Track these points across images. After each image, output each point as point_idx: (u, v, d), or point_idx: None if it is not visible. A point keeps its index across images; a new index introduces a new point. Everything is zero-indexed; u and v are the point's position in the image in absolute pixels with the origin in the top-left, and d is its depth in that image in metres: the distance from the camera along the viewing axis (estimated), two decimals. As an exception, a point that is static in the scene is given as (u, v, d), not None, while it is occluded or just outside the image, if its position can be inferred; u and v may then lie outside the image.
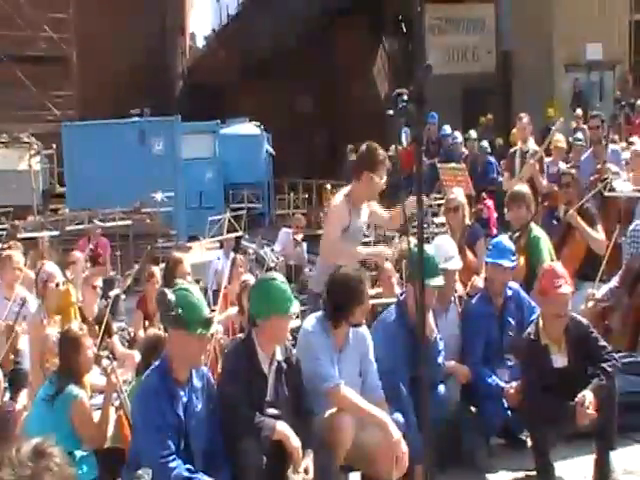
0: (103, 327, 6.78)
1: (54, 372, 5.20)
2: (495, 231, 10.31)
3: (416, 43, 5.31)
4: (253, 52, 29.52)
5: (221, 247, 11.92)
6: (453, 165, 12.16)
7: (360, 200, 6.03)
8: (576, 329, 5.22)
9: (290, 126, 27.51)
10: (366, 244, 8.86)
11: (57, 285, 6.93)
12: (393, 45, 25.12)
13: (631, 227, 7.26)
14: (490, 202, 11.00)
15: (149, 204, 15.67)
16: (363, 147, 6.02)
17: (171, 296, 4.27)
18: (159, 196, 15.51)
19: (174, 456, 4.16)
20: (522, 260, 6.63)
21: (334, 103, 27.85)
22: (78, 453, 4.80)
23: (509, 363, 5.79)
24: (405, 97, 2.78)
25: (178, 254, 8.21)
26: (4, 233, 13.27)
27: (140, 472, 3.88)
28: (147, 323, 7.66)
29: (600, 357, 5.13)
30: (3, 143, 22.48)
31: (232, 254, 10.84)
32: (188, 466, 4.20)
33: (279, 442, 4.42)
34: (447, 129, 15.22)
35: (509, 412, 5.58)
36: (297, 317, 6.16)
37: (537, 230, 7.03)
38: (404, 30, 19.33)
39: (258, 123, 23.30)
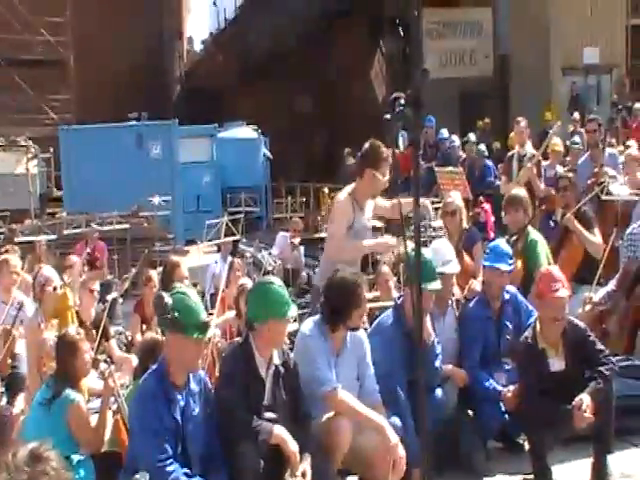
0: (100, 331, 6.76)
1: (51, 376, 5.19)
2: (492, 235, 10.32)
3: (413, 47, 5.29)
4: (252, 53, 29.49)
5: (219, 251, 11.92)
6: (450, 169, 12.16)
7: (364, 197, 6.09)
8: (573, 333, 5.22)
9: (289, 127, 27.51)
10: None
11: (54, 289, 6.92)
12: (391, 48, 25.13)
13: (628, 230, 7.26)
14: (487, 206, 11.02)
15: (146, 208, 15.69)
16: (366, 145, 6.09)
17: (168, 299, 4.27)
18: (156, 200, 15.52)
19: (171, 460, 4.15)
20: (519, 264, 6.63)
21: (334, 104, 27.83)
22: (75, 457, 4.78)
23: (506, 367, 5.79)
24: (402, 101, 2.78)
25: (175, 258, 8.20)
26: (1, 237, 13.26)
27: (137, 476, 3.88)
28: (144, 327, 7.65)
29: (597, 360, 5.13)
30: (0, 147, 22.46)
31: (229, 258, 10.86)
32: (185, 470, 4.19)
33: (276, 446, 4.41)
34: (444, 133, 15.22)
35: (506, 415, 5.58)
36: (294, 321, 6.16)
37: (534, 234, 7.03)
38: (401, 34, 19.34)
39: (256, 127, 23.31)
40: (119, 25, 29.16)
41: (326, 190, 18.11)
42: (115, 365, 6.02)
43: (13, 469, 2.25)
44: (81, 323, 6.78)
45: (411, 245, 3.54)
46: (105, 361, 5.47)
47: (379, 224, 9.18)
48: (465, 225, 7.57)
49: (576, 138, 11.98)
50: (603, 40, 20.87)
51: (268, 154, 23.27)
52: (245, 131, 23.48)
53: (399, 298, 5.61)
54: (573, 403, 4.92)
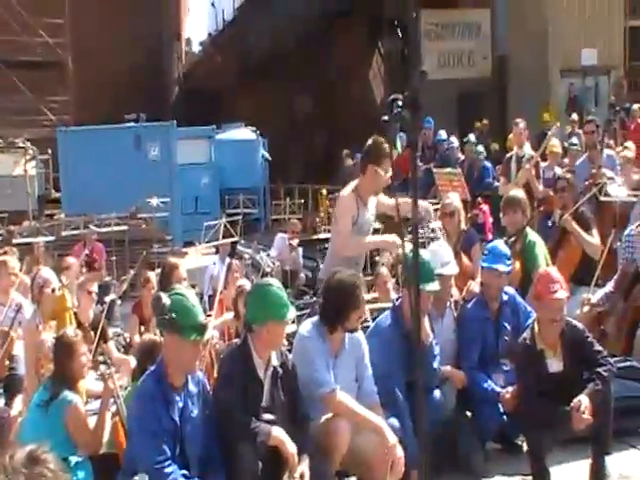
0: (98, 332, 6.76)
1: (48, 378, 5.19)
2: (491, 236, 10.30)
3: (412, 48, 5.31)
4: (250, 54, 29.46)
5: (217, 252, 11.92)
6: (449, 170, 12.16)
7: (367, 193, 6.15)
8: (572, 334, 5.22)
9: (288, 128, 27.51)
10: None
11: (53, 290, 6.91)
12: (390, 49, 25.12)
13: (626, 232, 7.26)
14: (486, 207, 11.00)
15: (145, 209, 15.68)
16: (369, 141, 6.14)
17: (166, 300, 4.27)
18: (155, 201, 15.51)
19: (170, 461, 4.15)
20: (518, 265, 6.63)
21: (333, 104, 27.82)
22: (73, 459, 4.78)
23: (505, 368, 5.79)
24: (400, 103, 2.77)
25: (174, 259, 8.19)
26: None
27: (136, 478, 3.88)
28: (143, 328, 7.65)
29: (596, 362, 5.13)
30: (-1, 148, 22.49)
31: (228, 259, 10.86)
32: (184, 471, 4.19)
33: (275, 447, 4.41)
34: (443, 134, 15.21)
35: (505, 417, 5.58)
36: (293, 322, 6.16)
37: (533, 235, 7.03)
38: (400, 35, 19.34)
39: (254, 128, 23.30)
40: (117, 27, 29.17)
41: (324, 191, 18.11)
42: (113, 367, 6.01)
43: (10, 471, 2.24)
44: (79, 325, 6.77)
45: (409, 246, 3.53)
46: (105, 363, 5.47)
47: (377, 225, 9.17)
48: (463, 226, 7.57)
49: (574, 139, 12.00)
50: (601, 41, 20.89)
51: (266, 155, 23.27)
52: (243, 132, 23.49)
53: (397, 299, 5.61)
54: (571, 404, 4.92)
